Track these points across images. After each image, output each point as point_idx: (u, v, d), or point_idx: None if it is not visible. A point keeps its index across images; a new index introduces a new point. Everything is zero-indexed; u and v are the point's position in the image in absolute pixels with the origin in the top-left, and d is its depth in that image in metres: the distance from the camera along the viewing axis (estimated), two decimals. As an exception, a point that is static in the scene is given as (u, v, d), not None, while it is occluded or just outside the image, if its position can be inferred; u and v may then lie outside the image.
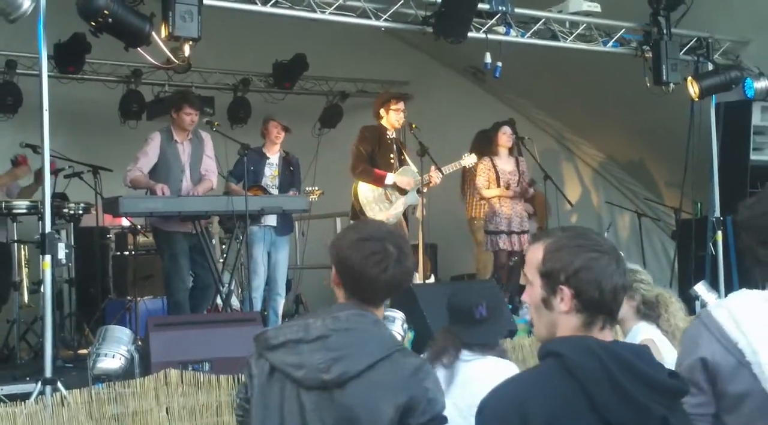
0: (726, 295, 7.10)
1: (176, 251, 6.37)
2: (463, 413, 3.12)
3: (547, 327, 1.99)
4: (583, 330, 1.93)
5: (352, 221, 7.66)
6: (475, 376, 3.25)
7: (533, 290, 1.99)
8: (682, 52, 7.48)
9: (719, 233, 7.49)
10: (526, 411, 1.82)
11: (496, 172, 7.79)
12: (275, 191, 7.04)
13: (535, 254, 1.97)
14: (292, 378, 2.27)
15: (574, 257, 1.92)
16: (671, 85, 7.27)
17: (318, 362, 2.24)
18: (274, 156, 7.20)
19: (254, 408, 2.35)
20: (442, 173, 7.22)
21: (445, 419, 2.33)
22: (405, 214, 7.36)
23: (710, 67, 7.64)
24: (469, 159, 7.52)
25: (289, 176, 7.23)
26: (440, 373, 3.14)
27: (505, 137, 7.88)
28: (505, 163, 7.89)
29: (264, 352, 2.33)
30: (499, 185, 7.77)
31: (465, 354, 3.35)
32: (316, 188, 7.67)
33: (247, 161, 6.79)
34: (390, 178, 7.14)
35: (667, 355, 3.44)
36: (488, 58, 6.76)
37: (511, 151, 7.98)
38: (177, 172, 6.52)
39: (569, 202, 8.41)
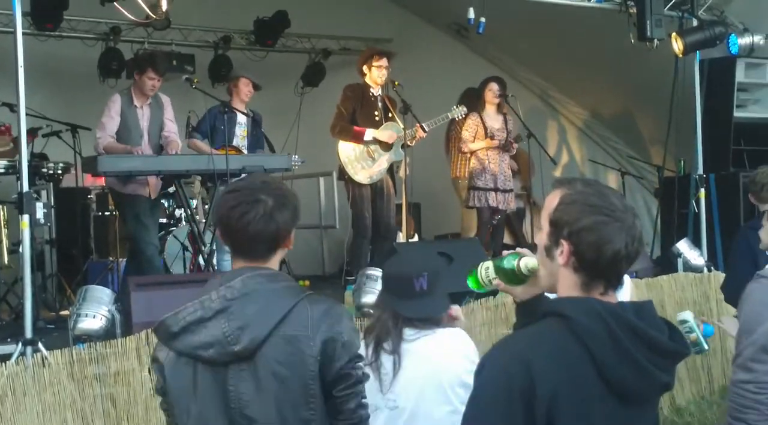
0: (707, 252, 7.18)
1: (139, 212, 6.30)
2: (426, 396, 2.93)
3: (548, 277, 1.99)
4: (582, 289, 1.91)
5: (338, 182, 7.62)
6: (427, 353, 2.97)
7: (541, 236, 1.98)
8: (667, 7, 7.40)
9: (702, 191, 7.50)
10: (530, 368, 1.78)
11: (485, 128, 7.73)
12: (246, 152, 6.92)
13: (552, 200, 1.95)
14: (203, 359, 2.22)
15: (582, 215, 1.88)
16: (655, 41, 7.22)
17: (225, 336, 2.19)
18: (242, 115, 7.02)
19: (173, 400, 2.29)
20: (425, 130, 7.16)
21: (361, 357, 2.35)
22: (392, 171, 7.29)
23: (695, 23, 7.59)
24: (458, 111, 7.44)
25: (257, 135, 7.13)
26: (386, 361, 2.95)
27: (491, 94, 7.81)
28: (493, 120, 7.83)
29: (168, 342, 2.26)
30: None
31: (408, 334, 2.99)
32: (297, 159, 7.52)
33: (216, 120, 6.70)
34: (369, 133, 7.05)
35: None
36: (471, 14, 6.70)
37: (498, 108, 7.92)
38: (136, 137, 6.40)
39: (552, 160, 8.39)
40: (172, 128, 6.63)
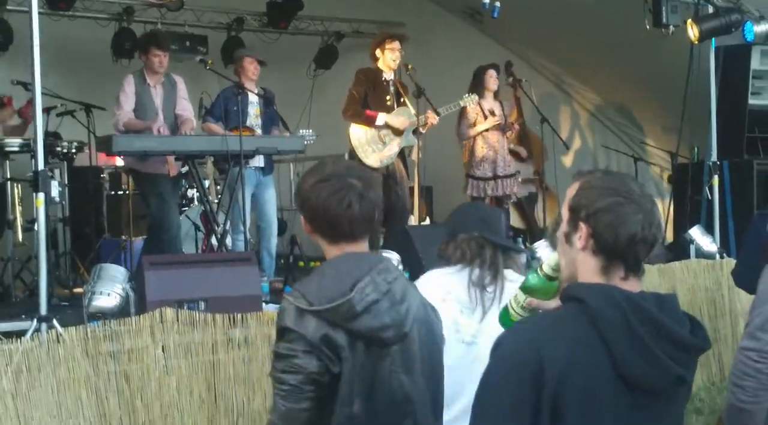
0: (720, 239, 7.17)
1: (162, 190, 6.34)
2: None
3: (569, 266, 1.98)
4: (601, 274, 1.91)
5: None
6: None
7: (562, 225, 1.99)
8: (683, -7, 7.37)
9: (716, 178, 7.47)
10: (542, 354, 1.80)
11: (484, 114, 7.75)
12: (260, 131, 6.94)
13: (571, 190, 1.97)
14: (380, 341, 2.22)
15: (598, 198, 1.90)
16: (671, 27, 7.19)
17: (400, 317, 2.25)
18: (253, 95, 7.02)
19: (346, 383, 2.20)
20: (438, 115, 7.15)
21: None
22: (403, 156, 7.30)
23: (710, 9, 7.53)
24: (469, 99, 7.45)
25: (270, 114, 7.13)
26: (463, 296, 2.98)
27: (491, 80, 7.83)
28: (490, 105, 7.88)
29: (348, 323, 2.19)
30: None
31: (510, 274, 3.04)
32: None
33: (229, 102, 6.71)
34: (381, 118, 7.06)
35: None
36: (487, -2, 6.68)
37: (496, 95, 7.93)
38: (152, 115, 6.44)
39: (565, 145, 8.38)
40: (186, 106, 6.66)
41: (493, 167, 7.70)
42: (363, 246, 2.35)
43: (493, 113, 7.73)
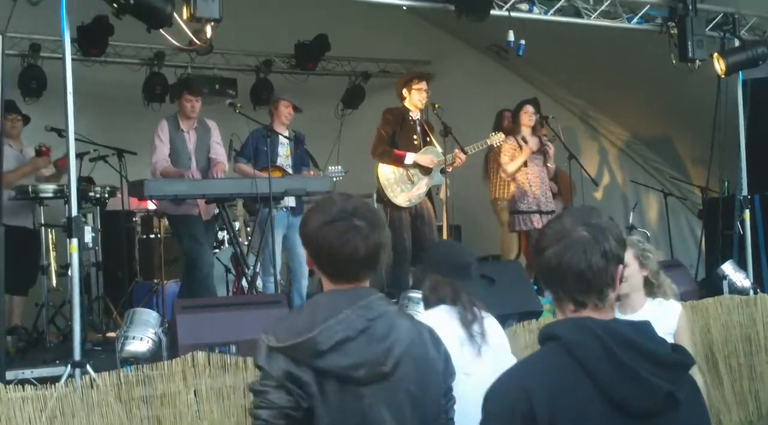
0: (753, 274, 7.08)
1: (195, 231, 6.43)
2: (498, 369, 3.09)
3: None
4: (575, 310, 1.96)
5: (377, 205, 7.65)
6: (497, 329, 3.17)
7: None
8: (708, 27, 7.35)
9: (747, 212, 7.40)
10: (530, 395, 1.84)
11: (519, 146, 7.71)
12: (290, 171, 7.02)
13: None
14: (351, 380, 2.21)
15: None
16: (697, 62, 7.17)
17: (376, 356, 2.23)
18: (284, 136, 7.13)
19: (319, 420, 2.20)
20: (466, 153, 7.17)
21: None
22: (430, 195, 7.32)
23: (737, 43, 7.52)
24: (496, 138, 7.46)
25: (301, 154, 7.20)
26: (473, 331, 3.07)
27: (527, 116, 7.81)
28: (530, 142, 7.81)
29: (311, 360, 2.19)
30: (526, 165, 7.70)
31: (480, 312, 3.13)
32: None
33: (259, 142, 6.79)
34: (410, 158, 7.09)
35: None
36: (511, 36, 6.71)
37: (533, 130, 7.91)
38: (185, 160, 6.57)
39: (594, 181, 8.34)
40: (219, 151, 6.78)
41: (537, 202, 7.65)
42: (363, 285, 2.37)
43: (525, 140, 7.68)
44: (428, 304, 3.21)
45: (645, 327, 1.95)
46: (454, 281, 3.16)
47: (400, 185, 7.12)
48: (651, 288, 3.71)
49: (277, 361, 2.20)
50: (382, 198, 7.15)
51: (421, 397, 2.30)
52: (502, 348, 3.16)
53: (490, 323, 3.18)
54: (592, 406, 1.83)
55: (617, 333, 1.87)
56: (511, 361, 3.07)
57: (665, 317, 3.64)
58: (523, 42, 6.70)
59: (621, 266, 1.97)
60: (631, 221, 8.88)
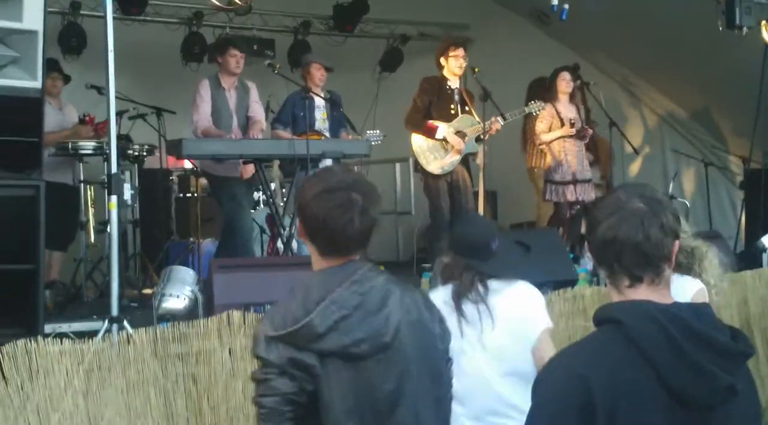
0: (794, 248, 6.95)
1: (236, 193, 6.45)
2: (516, 340, 3.08)
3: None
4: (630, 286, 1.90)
5: (413, 171, 7.62)
6: (518, 300, 3.16)
7: None
8: (757, -6, 7.19)
9: (790, 184, 7.28)
10: (588, 383, 1.76)
11: (560, 118, 7.60)
12: (328, 135, 6.99)
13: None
14: (354, 356, 2.21)
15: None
16: (744, 29, 7.01)
17: (375, 329, 2.23)
18: (319, 99, 7.08)
19: (327, 402, 2.21)
20: (505, 119, 7.10)
21: None
22: (467, 161, 7.27)
23: (787, 10, 7.34)
24: (535, 106, 7.36)
25: (337, 116, 7.16)
26: (469, 309, 3.10)
27: (564, 83, 7.66)
28: (567, 109, 7.68)
29: (312, 344, 2.19)
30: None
31: (494, 283, 3.16)
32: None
33: (296, 107, 6.77)
34: (441, 132, 7.03)
35: None
36: (555, 0, 6.60)
37: (571, 97, 7.77)
38: (227, 118, 6.59)
39: (634, 149, 8.21)
40: (257, 110, 6.82)
41: (572, 172, 7.56)
42: (352, 259, 2.35)
43: (572, 124, 7.56)
44: (434, 284, 3.27)
45: (706, 312, 1.87)
46: (469, 261, 3.17)
47: (434, 152, 7.09)
48: (680, 266, 3.62)
49: (277, 349, 2.21)
50: (417, 166, 7.14)
51: (422, 361, 2.31)
52: (524, 320, 3.13)
53: (512, 293, 3.16)
54: (653, 397, 1.77)
55: (680, 320, 1.79)
56: (535, 331, 3.11)
57: (676, 293, 3.56)
58: (566, 6, 6.60)
59: (677, 242, 1.90)
60: (671, 191, 8.76)
